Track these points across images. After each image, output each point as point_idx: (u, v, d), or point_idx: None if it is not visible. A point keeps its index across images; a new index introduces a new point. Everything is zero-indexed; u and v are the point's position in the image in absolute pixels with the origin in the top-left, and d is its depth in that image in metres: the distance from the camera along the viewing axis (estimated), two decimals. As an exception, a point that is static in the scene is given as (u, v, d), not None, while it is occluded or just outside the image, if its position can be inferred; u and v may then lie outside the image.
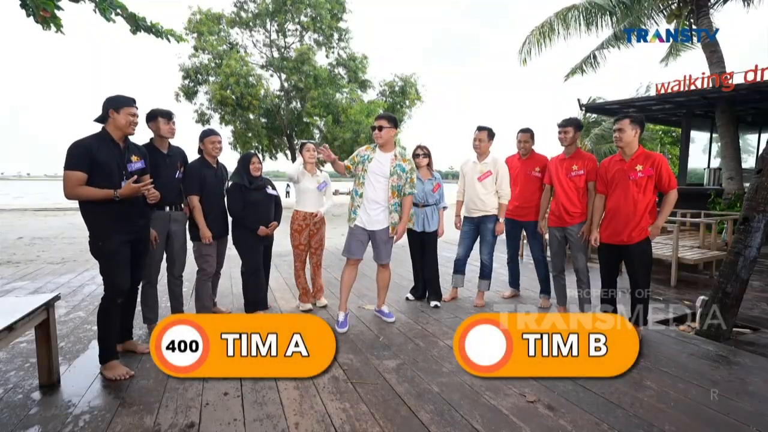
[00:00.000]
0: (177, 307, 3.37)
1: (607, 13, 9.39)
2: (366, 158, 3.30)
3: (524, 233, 4.21)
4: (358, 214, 3.32)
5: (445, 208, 4.02)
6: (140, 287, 2.92)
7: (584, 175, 3.37)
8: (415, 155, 3.93)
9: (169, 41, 5.22)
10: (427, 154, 3.95)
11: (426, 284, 4.02)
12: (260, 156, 3.61)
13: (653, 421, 2.03)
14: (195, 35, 16.41)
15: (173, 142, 3.21)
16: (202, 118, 17.38)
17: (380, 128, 3.23)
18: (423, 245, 3.95)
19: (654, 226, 2.99)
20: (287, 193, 23.09)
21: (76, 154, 2.32)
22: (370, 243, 3.40)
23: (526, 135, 3.93)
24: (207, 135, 3.38)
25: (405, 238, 4.05)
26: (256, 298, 3.54)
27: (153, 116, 3.03)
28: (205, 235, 3.28)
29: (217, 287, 3.74)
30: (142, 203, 2.59)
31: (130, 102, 2.47)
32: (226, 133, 17.53)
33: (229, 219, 3.48)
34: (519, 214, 3.95)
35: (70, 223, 11.64)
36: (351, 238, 3.37)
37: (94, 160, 2.35)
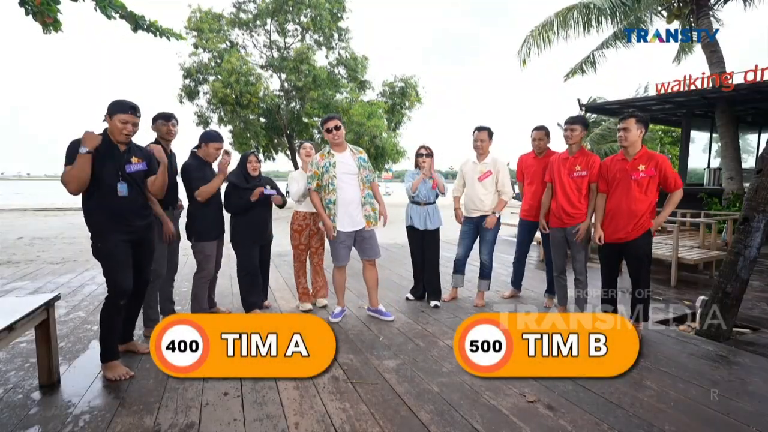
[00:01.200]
0: (169, 307, 3.38)
1: (607, 12, 9.38)
2: (329, 164, 3.25)
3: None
4: (337, 222, 3.29)
5: (444, 189, 3.95)
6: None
7: (587, 177, 3.29)
8: (419, 155, 3.92)
9: (168, 40, 5.23)
10: (431, 154, 3.94)
11: (426, 284, 4.02)
12: (257, 155, 3.59)
13: (653, 421, 2.03)
14: (195, 33, 16.40)
15: (174, 143, 3.26)
16: (202, 120, 17.35)
17: (337, 128, 3.25)
18: (424, 244, 3.94)
19: (655, 222, 3.00)
20: (287, 192, 23.03)
21: (69, 151, 2.36)
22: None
23: (541, 132, 3.84)
24: (212, 140, 3.35)
25: (405, 236, 4.05)
26: (248, 299, 3.55)
27: (153, 120, 3.15)
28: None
29: (215, 288, 3.75)
30: (141, 204, 2.58)
31: (124, 109, 2.42)
32: (224, 133, 17.47)
33: (227, 219, 3.47)
34: (534, 214, 3.85)
35: (70, 223, 11.64)
36: (338, 246, 3.36)
37: None
